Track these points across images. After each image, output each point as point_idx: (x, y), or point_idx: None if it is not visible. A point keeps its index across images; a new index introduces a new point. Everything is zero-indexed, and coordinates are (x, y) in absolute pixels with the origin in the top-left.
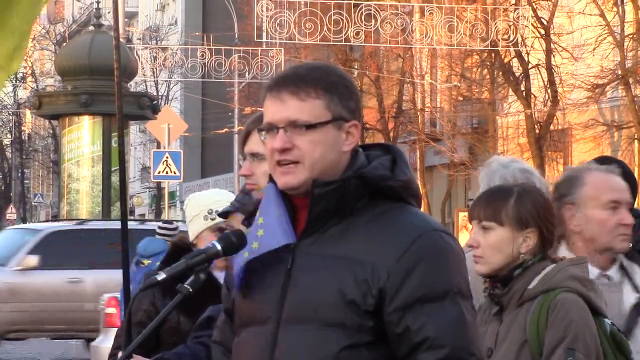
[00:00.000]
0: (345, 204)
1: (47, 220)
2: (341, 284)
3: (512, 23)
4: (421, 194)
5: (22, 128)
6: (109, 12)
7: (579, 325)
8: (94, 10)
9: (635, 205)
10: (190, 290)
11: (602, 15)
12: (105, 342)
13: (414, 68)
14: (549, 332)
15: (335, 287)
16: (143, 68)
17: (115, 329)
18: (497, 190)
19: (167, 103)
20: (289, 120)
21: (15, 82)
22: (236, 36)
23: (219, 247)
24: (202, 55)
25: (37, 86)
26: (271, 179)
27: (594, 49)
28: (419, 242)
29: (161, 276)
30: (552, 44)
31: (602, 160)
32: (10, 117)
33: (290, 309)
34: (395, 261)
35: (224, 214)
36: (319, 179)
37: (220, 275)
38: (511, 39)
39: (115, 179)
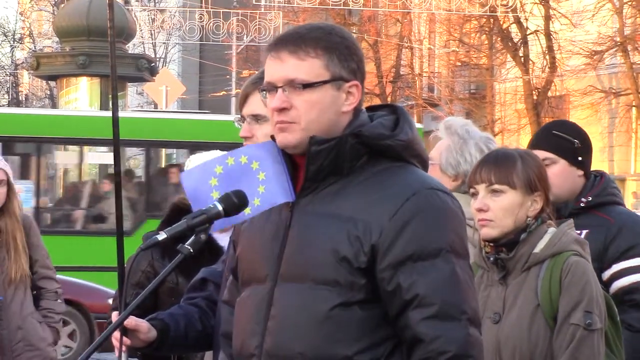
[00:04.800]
0: (343, 162)
1: None
2: (334, 241)
3: None
4: (427, 155)
5: (19, 89)
6: None
7: (592, 287)
8: None
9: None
10: (191, 250)
11: None
12: None
13: (413, 33)
14: (564, 295)
15: (328, 245)
16: (141, 30)
17: None
18: (502, 154)
19: (165, 65)
20: (287, 79)
21: (13, 42)
22: None
23: (220, 207)
24: (201, 18)
25: (34, 47)
26: (272, 137)
27: (593, 15)
28: (412, 200)
29: (162, 236)
30: (550, 10)
31: (555, 124)
32: (8, 77)
33: (286, 267)
34: (388, 218)
35: None
36: (316, 136)
37: (219, 237)
38: (510, 4)
39: None
